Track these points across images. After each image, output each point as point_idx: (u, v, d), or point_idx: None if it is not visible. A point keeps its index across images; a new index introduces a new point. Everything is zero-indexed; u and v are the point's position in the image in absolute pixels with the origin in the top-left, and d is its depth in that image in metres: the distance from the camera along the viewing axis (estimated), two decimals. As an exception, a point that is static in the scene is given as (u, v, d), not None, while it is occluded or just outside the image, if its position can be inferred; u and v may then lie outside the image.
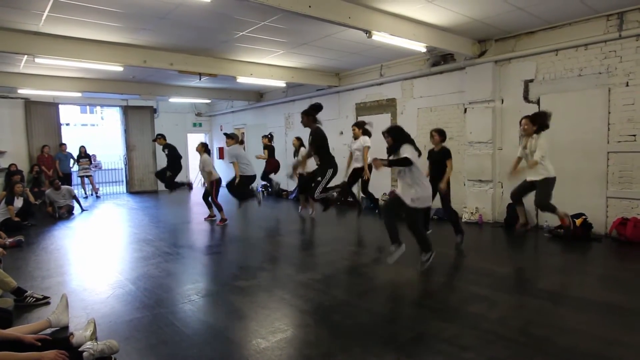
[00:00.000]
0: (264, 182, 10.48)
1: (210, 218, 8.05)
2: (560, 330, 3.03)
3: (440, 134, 5.72)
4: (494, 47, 6.91)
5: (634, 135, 5.60)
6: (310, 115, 5.39)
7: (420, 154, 4.43)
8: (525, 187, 5.14)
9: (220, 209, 7.56)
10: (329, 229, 7.12)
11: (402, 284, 4.33)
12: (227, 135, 7.40)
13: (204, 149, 7.87)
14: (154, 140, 9.18)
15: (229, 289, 4.14)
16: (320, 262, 4.99)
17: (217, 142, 15.05)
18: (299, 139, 8.77)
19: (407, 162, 4.13)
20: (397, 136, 4.39)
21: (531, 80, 6.60)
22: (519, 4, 5.32)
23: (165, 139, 8.98)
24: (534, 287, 4.03)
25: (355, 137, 7.22)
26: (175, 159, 8.81)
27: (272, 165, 9.88)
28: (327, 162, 5.44)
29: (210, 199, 7.79)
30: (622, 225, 5.53)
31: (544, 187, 4.95)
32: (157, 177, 9.40)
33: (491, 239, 5.96)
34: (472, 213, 7.23)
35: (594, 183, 5.99)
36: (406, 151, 4.22)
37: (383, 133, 4.52)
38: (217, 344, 2.95)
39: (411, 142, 4.38)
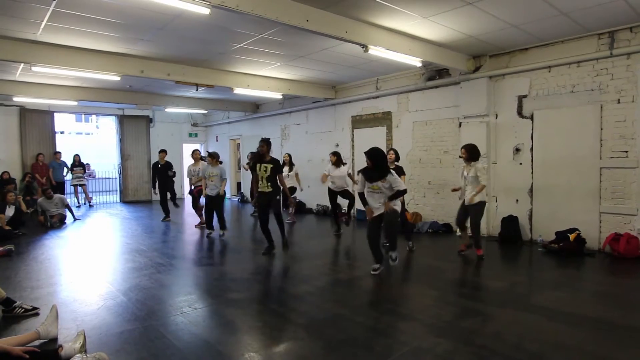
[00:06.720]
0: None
1: (201, 225, 8.34)
2: (554, 346, 3.02)
3: (396, 154, 6.35)
4: (489, 63, 7.01)
5: (626, 152, 5.67)
6: (270, 146, 5.91)
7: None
8: (465, 211, 5.70)
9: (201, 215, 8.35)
10: (322, 241, 7.09)
11: (396, 297, 4.31)
12: (209, 154, 7.51)
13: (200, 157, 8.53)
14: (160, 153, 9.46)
15: (222, 301, 4.10)
16: (313, 275, 4.96)
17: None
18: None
19: (405, 192, 4.82)
20: (379, 162, 4.74)
21: (525, 96, 6.69)
22: (513, 22, 5.42)
23: (166, 154, 9.37)
24: (528, 302, 4.03)
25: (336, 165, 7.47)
26: (165, 180, 9.14)
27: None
28: (278, 189, 5.93)
29: (193, 205, 8.44)
30: (615, 240, 5.56)
31: (480, 210, 5.58)
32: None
33: (485, 253, 5.95)
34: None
35: (587, 198, 6.03)
36: (397, 178, 4.73)
37: (365, 153, 4.80)
38: (209, 358, 2.91)
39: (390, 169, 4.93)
